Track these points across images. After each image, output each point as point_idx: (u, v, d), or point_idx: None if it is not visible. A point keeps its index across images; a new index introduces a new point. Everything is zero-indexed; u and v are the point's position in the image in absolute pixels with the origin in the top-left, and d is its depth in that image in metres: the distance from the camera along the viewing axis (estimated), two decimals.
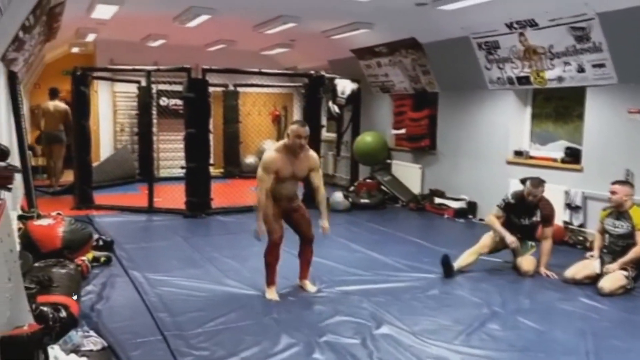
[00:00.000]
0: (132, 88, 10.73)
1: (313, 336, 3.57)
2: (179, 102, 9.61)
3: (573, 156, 6.45)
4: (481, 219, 7.14)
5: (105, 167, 9.76)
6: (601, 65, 5.65)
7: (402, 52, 8.20)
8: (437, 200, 8.10)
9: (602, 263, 4.70)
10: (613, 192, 4.69)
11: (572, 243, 6.11)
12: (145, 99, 9.54)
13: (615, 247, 4.69)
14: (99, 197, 8.14)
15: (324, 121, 9.25)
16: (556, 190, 6.11)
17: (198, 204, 7.55)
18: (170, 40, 9.63)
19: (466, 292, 4.58)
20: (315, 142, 8.00)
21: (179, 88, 8.39)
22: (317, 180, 4.45)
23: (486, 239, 5.18)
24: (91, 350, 3.17)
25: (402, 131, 8.99)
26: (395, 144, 9.36)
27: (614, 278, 4.50)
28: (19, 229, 4.85)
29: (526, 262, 5.05)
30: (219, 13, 7.08)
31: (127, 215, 7.49)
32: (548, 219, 5.08)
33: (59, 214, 5.65)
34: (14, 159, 5.67)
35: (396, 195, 8.75)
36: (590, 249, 5.32)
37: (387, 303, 4.22)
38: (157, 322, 3.76)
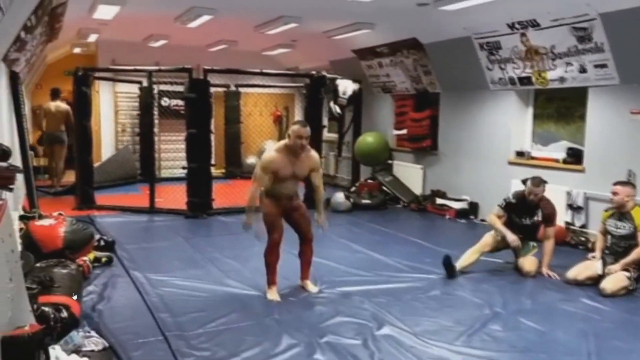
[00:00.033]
0: (134, 88, 10.74)
1: (314, 337, 3.56)
2: (181, 102, 9.60)
3: (575, 157, 6.44)
4: (483, 220, 7.13)
5: (107, 168, 9.76)
6: (603, 66, 5.64)
7: (404, 52, 8.20)
8: (439, 200, 8.09)
9: (604, 264, 4.69)
10: (614, 193, 4.68)
11: (573, 244, 6.09)
12: (146, 99, 9.54)
13: (617, 248, 4.69)
14: (101, 198, 8.15)
15: (325, 121, 9.24)
16: (558, 191, 6.10)
17: (199, 204, 7.55)
18: (171, 41, 9.64)
19: (467, 293, 4.57)
20: (316, 142, 7.98)
21: (180, 88, 8.40)
22: (317, 180, 4.51)
23: (488, 238, 5.18)
24: (92, 351, 3.17)
25: (404, 132, 8.99)
26: (396, 145, 9.36)
27: (616, 279, 4.49)
28: (21, 229, 4.85)
29: (528, 262, 5.04)
30: (221, 13, 7.08)
31: (128, 216, 7.49)
32: (549, 218, 5.07)
33: (60, 214, 5.66)
34: (16, 159, 5.68)
35: (397, 195, 8.74)
36: (592, 249, 5.31)
37: (389, 304, 4.22)
38: (158, 323, 3.76)
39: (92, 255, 5.05)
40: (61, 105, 9.49)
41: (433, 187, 8.44)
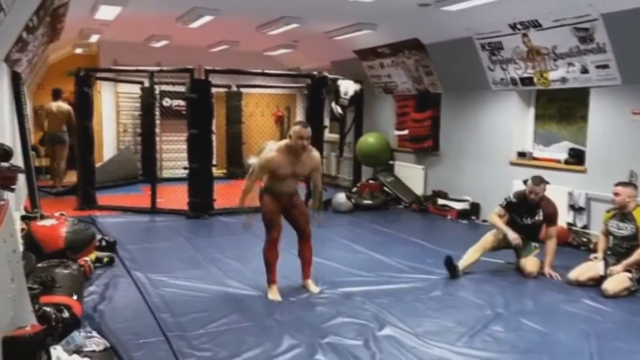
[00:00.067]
0: (135, 89, 10.75)
1: (315, 337, 3.56)
2: (182, 102, 9.60)
3: (577, 157, 6.44)
4: (484, 220, 7.12)
5: (108, 168, 9.77)
6: (605, 66, 5.63)
7: (405, 52, 8.19)
8: (440, 201, 8.09)
9: (606, 265, 4.68)
10: (616, 194, 4.68)
11: (575, 244, 6.09)
12: (148, 99, 9.54)
13: (619, 249, 4.68)
14: (102, 198, 8.15)
15: (326, 122, 9.25)
16: (560, 192, 6.09)
17: (201, 204, 7.55)
18: (173, 41, 9.66)
19: (469, 294, 4.57)
20: (317, 143, 7.98)
21: (181, 89, 8.40)
22: (317, 179, 4.62)
23: (489, 236, 5.17)
24: (94, 351, 3.17)
25: (405, 132, 8.99)
26: (398, 145, 9.35)
27: (618, 280, 4.48)
28: (22, 229, 4.85)
29: (530, 263, 5.04)
30: (222, 14, 7.08)
31: (129, 216, 7.49)
32: (551, 218, 5.07)
33: (62, 214, 5.66)
34: (18, 160, 5.68)
35: (399, 196, 8.74)
36: (594, 250, 5.31)
37: (390, 304, 4.21)
38: (160, 323, 3.76)
39: (93, 256, 5.05)
40: (63, 105, 9.50)
41: (434, 187, 8.44)
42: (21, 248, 3.95)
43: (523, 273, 5.03)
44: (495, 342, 3.59)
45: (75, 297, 3.63)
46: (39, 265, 4.12)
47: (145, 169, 10.20)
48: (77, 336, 3.21)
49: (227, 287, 4.60)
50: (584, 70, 5.86)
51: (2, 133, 5.02)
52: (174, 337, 3.52)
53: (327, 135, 9.81)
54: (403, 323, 3.83)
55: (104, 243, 5.58)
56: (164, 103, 10.17)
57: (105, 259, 5.18)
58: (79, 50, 10.93)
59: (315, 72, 8.60)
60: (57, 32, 6.67)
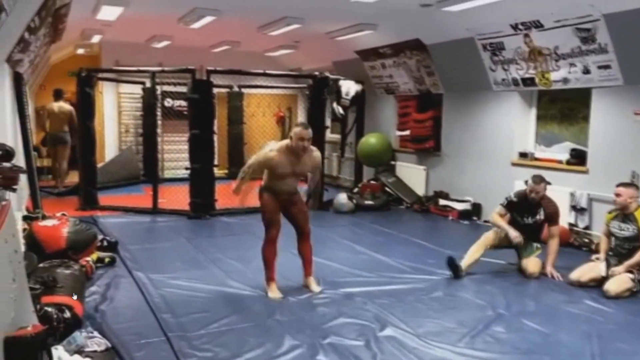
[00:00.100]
0: (137, 89, 10.77)
1: (317, 338, 3.56)
2: (184, 103, 9.60)
3: (578, 158, 6.43)
4: (486, 221, 7.11)
5: (110, 168, 9.78)
6: (607, 67, 5.63)
7: (407, 53, 8.19)
8: (442, 201, 8.08)
9: (608, 266, 4.67)
10: (617, 195, 4.67)
11: (577, 245, 6.08)
12: (149, 100, 9.57)
13: (621, 250, 4.67)
14: (104, 198, 8.16)
15: (328, 122, 9.24)
16: (561, 192, 6.08)
17: (202, 205, 7.55)
18: (174, 42, 9.66)
19: (470, 294, 4.56)
20: (319, 143, 7.97)
21: (183, 89, 8.40)
22: (316, 175, 4.80)
23: (489, 234, 5.17)
24: (95, 351, 3.17)
25: (407, 132, 8.98)
26: (399, 146, 9.35)
27: (620, 281, 4.48)
28: (24, 229, 4.86)
29: (531, 264, 5.03)
30: (224, 14, 7.09)
31: (131, 216, 7.50)
32: (552, 217, 5.07)
33: (63, 214, 5.67)
34: (19, 160, 5.69)
35: (400, 196, 8.73)
36: (596, 251, 5.30)
37: (391, 305, 4.21)
38: (161, 323, 3.76)
39: (95, 256, 5.05)
40: (64, 106, 9.51)
41: (436, 188, 8.43)
42: (23, 248, 3.96)
43: (525, 274, 5.03)
44: (497, 342, 3.59)
45: (75, 297, 3.63)
46: (41, 265, 4.13)
47: (146, 169, 10.22)
48: (79, 336, 3.22)
49: (228, 288, 4.60)
50: (586, 71, 5.86)
51: (4, 133, 5.02)
52: (175, 338, 3.52)
53: (329, 135, 9.81)
54: (404, 324, 3.83)
55: (105, 243, 5.58)
56: (166, 103, 10.18)
57: (107, 259, 5.18)
58: (80, 51, 10.95)
59: (316, 73, 8.60)
60: (59, 33, 6.69)
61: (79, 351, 3.09)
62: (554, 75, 6.26)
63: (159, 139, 8.74)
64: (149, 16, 7.70)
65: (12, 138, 5.61)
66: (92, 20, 7.67)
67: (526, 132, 7.21)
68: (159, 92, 9.08)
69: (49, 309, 3.30)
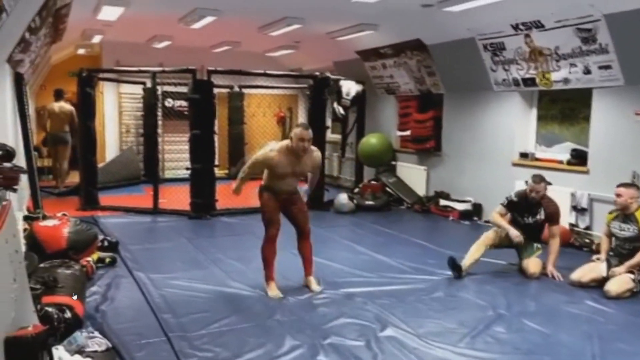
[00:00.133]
0: (138, 89, 10.77)
1: (317, 338, 3.56)
2: (184, 103, 9.61)
3: (579, 158, 6.42)
4: (486, 221, 7.11)
5: (111, 168, 9.78)
6: (607, 67, 5.62)
7: (408, 53, 8.19)
8: (442, 202, 8.08)
9: (609, 266, 4.67)
10: (618, 195, 4.66)
11: (578, 245, 6.07)
12: (150, 100, 9.56)
13: (621, 250, 4.67)
14: (104, 198, 8.16)
15: (328, 122, 9.24)
16: (562, 192, 6.08)
17: (203, 205, 7.55)
18: (175, 42, 9.67)
19: (471, 295, 4.56)
20: (319, 143, 7.97)
21: (184, 89, 8.40)
22: (316, 173, 4.80)
23: (489, 233, 5.17)
24: (95, 351, 3.17)
25: (407, 133, 8.98)
26: (400, 146, 9.34)
27: (621, 281, 4.47)
28: (25, 229, 4.86)
29: (532, 264, 5.03)
30: (224, 14, 7.09)
31: (132, 217, 7.50)
32: (553, 217, 5.06)
33: (64, 214, 5.67)
34: (20, 160, 5.69)
35: (401, 197, 8.73)
36: (596, 251, 5.30)
37: (392, 305, 4.21)
38: (161, 323, 3.76)
39: (95, 256, 5.05)
40: (65, 106, 9.52)
41: (437, 188, 8.43)
42: (23, 248, 3.96)
43: (525, 274, 5.03)
44: (497, 343, 3.59)
45: (75, 297, 3.63)
46: (42, 265, 4.13)
47: (147, 169, 10.22)
48: (79, 336, 3.21)
49: (229, 288, 4.60)
50: (587, 71, 5.85)
51: (5, 133, 5.02)
52: (176, 338, 3.52)
53: (329, 135, 9.81)
54: (405, 324, 3.83)
55: (106, 243, 5.58)
56: (166, 103, 10.20)
57: (108, 260, 5.18)
58: (81, 51, 10.96)
59: (317, 73, 8.60)
60: (59, 33, 6.69)
61: (80, 351, 3.09)
62: (554, 76, 6.26)
63: (160, 139, 8.74)
64: (149, 16, 7.70)
65: (12, 138, 5.61)
66: (92, 21, 7.68)
67: (527, 133, 7.21)
68: (159, 92, 9.09)
69: (50, 309, 3.30)
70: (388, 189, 8.82)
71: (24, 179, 5.62)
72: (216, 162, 8.06)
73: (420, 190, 8.70)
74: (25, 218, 5.42)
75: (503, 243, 5.13)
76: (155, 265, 5.20)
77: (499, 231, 5.14)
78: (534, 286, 4.85)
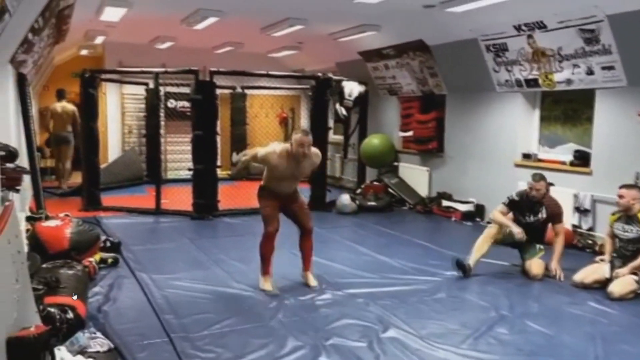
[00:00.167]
0: (140, 90, 10.79)
1: (319, 339, 3.55)
2: (187, 104, 9.65)
3: (582, 159, 6.40)
4: (489, 222, 7.08)
5: (113, 169, 9.80)
6: (610, 68, 5.61)
7: (410, 54, 8.18)
8: (445, 203, 8.07)
9: (612, 267, 4.66)
10: (620, 196, 4.65)
11: (581, 247, 6.06)
12: (153, 101, 9.57)
13: (625, 252, 4.65)
14: (107, 199, 8.17)
15: (331, 123, 9.23)
16: (565, 194, 6.07)
17: (205, 205, 7.56)
18: (178, 43, 9.68)
19: (474, 296, 4.55)
20: (322, 144, 7.99)
21: (186, 90, 8.42)
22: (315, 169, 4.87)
23: (492, 227, 5.15)
24: (98, 352, 3.17)
25: (410, 133, 8.97)
26: (402, 147, 9.33)
27: (624, 282, 4.46)
28: (27, 230, 4.87)
29: (535, 265, 5.01)
30: (227, 15, 7.10)
31: (134, 217, 7.51)
32: (555, 216, 5.06)
33: (66, 215, 5.68)
34: (23, 161, 5.70)
35: (403, 197, 8.72)
36: (600, 252, 5.29)
37: (394, 306, 4.20)
38: (164, 324, 3.76)
39: (98, 257, 5.06)
40: (67, 105, 9.55)
41: (439, 189, 8.42)
42: (26, 249, 3.96)
43: (528, 275, 5.01)
44: (500, 344, 3.58)
45: (75, 297, 3.63)
46: (44, 265, 4.13)
47: (149, 170, 10.22)
48: (81, 337, 3.21)
49: (231, 289, 4.60)
50: (590, 72, 5.84)
51: (8, 134, 5.04)
52: (178, 339, 3.52)
53: (332, 136, 9.81)
54: (407, 325, 3.82)
55: (108, 244, 5.59)
56: (169, 104, 10.21)
57: (110, 260, 5.19)
58: (84, 52, 10.98)
59: (319, 74, 8.61)
60: (62, 34, 6.71)
61: (82, 352, 3.09)
62: (557, 76, 6.25)
63: (162, 140, 8.76)
64: (152, 17, 7.71)
65: (15, 139, 5.62)
66: (95, 21, 7.69)
67: (529, 133, 7.20)
68: (162, 93, 9.08)
69: (52, 310, 3.30)
70: (390, 190, 8.81)
71: (26, 179, 5.63)
72: (218, 163, 8.06)
73: (423, 191, 8.69)
74: (28, 218, 5.42)
75: (506, 240, 5.11)
76: (157, 265, 5.20)
77: (502, 229, 5.13)
78: (536, 287, 4.84)
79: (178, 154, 10.71)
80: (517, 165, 7.10)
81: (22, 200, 5.56)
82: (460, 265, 4.96)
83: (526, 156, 7.06)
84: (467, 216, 7.64)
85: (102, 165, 8.91)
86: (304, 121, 11.89)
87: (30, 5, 3.80)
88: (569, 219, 6.06)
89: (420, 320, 3.92)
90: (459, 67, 7.54)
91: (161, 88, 8.71)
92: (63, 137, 9.53)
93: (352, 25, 7.67)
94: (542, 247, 5.14)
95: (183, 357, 3.27)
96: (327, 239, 6.24)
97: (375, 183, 8.94)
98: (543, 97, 7.10)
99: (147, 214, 7.64)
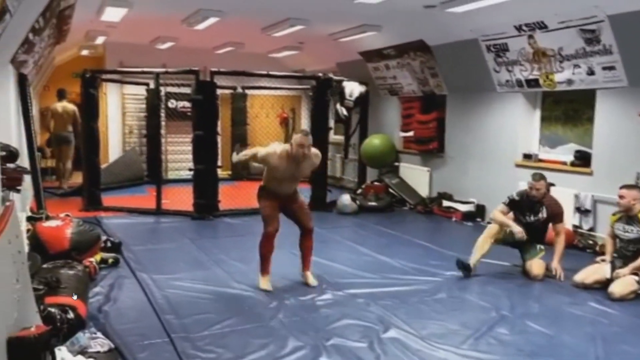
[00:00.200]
0: (141, 90, 10.80)
1: (320, 339, 3.55)
2: (187, 104, 9.65)
3: (583, 159, 6.40)
4: (489, 222, 7.08)
5: (114, 169, 9.80)
6: (611, 68, 5.61)
7: (411, 54, 8.18)
8: (445, 203, 8.07)
9: (613, 268, 4.65)
10: (621, 197, 4.65)
11: (581, 247, 6.05)
12: (153, 101, 9.58)
13: (625, 252, 4.65)
14: (107, 199, 8.18)
15: (331, 124, 9.23)
16: (566, 194, 6.07)
17: (206, 206, 7.56)
18: (178, 43, 9.68)
19: (474, 296, 4.55)
20: (322, 144, 7.99)
21: (187, 90, 8.43)
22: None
23: (493, 226, 5.14)
24: (98, 352, 3.17)
25: (410, 134, 8.97)
26: (403, 147, 9.33)
27: (625, 283, 4.45)
28: (28, 230, 4.87)
29: (535, 266, 5.01)
30: (227, 16, 7.10)
31: (135, 217, 7.51)
32: (555, 215, 5.06)
33: (67, 215, 5.68)
34: (24, 161, 5.70)
35: (404, 198, 8.72)
36: (600, 253, 5.28)
37: (395, 306, 4.20)
38: (164, 324, 3.76)
39: (98, 257, 5.06)
40: (68, 105, 9.56)
41: (440, 189, 8.41)
42: (26, 249, 3.96)
43: (529, 276, 5.01)
44: (501, 344, 3.57)
45: (75, 297, 3.63)
46: (44, 266, 4.14)
47: (150, 170, 10.23)
48: (82, 337, 3.21)
49: (231, 289, 4.60)
50: (590, 72, 5.84)
51: (8, 134, 5.04)
52: (179, 339, 3.52)
53: (332, 136, 9.82)
54: (408, 325, 3.82)
55: (109, 244, 5.59)
56: (170, 104, 10.22)
57: (110, 260, 5.19)
58: (85, 52, 10.99)
59: (320, 74, 8.61)
60: (63, 34, 6.71)
61: (82, 352, 3.09)
62: (558, 77, 6.25)
63: (163, 140, 8.76)
64: (153, 17, 7.72)
65: (16, 139, 5.63)
66: (96, 22, 7.69)
67: (530, 134, 7.19)
68: (162, 93, 9.09)
69: (53, 310, 3.30)
70: (391, 190, 8.81)
71: (27, 179, 5.63)
72: (219, 163, 8.06)
73: (423, 192, 8.69)
74: (29, 219, 5.43)
75: (507, 239, 5.11)
76: (158, 266, 5.20)
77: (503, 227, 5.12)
78: (537, 288, 4.83)
79: (179, 154, 10.71)
80: (518, 166, 7.10)
81: (22, 200, 5.56)
82: (462, 266, 4.96)
83: (527, 156, 7.05)
84: (467, 216, 7.63)
85: (103, 166, 8.91)
86: (304, 121, 11.89)
87: (30, 6, 3.80)
88: (570, 219, 6.06)
89: (420, 321, 3.92)
90: (460, 67, 7.53)
91: (162, 88, 8.72)
92: (64, 137, 9.54)
93: (352, 25, 7.67)
94: (542, 247, 5.13)
95: (184, 357, 3.27)
96: (327, 239, 6.24)
97: (375, 183, 8.93)
98: (544, 97, 7.09)
99: (147, 214, 7.64)
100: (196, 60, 8.54)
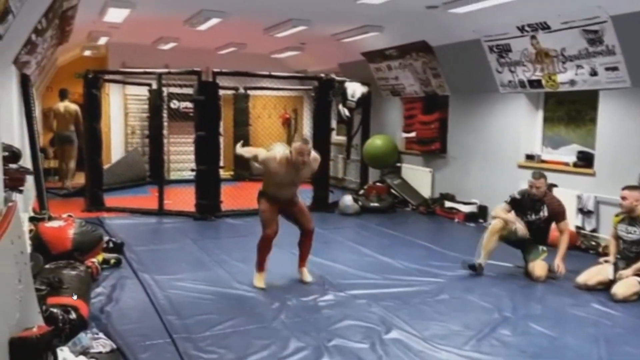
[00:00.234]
0: (143, 91, 10.81)
1: (322, 340, 3.55)
2: (190, 104, 9.64)
3: (585, 160, 6.39)
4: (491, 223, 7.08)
5: (116, 170, 9.81)
6: (614, 69, 5.59)
7: (413, 55, 8.18)
8: (448, 204, 8.06)
9: (616, 269, 4.64)
10: (623, 198, 4.64)
11: (584, 248, 6.04)
12: (156, 101, 9.57)
13: (628, 253, 4.64)
14: (110, 200, 8.18)
15: (333, 124, 9.23)
16: (568, 195, 6.05)
17: (208, 206, 7.56)
18: (181, 43, 9.69)
19: (476, 297, 4.54)
20: (324, 145, 8.00)
21: (189, 91, 8.43)
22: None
23: (498, 222, 5.10)
24: (100, 352, 3.17)
25: (412, 134, 8.97)
26: (405, 148, 9.33)
27: (628, 284, 4.44)
28: (30, 230, 4.88)
29: (538, 267, 5.00)
30: (230, 16, 7.10)
31: (137, 218, 7.52)
32: (557, 213, 5.05)
33: (69, 215, 5.68)
34: (26, 161, 5.71)
35: (406, 198, 8.71)
36: (603, 254, 5.27)
37: (397, 307, 4.20)
38: (166, 325, 3.77)
39: (100, 257, 5.06)
40: (70, 105, 9.58)
41: (442, 190, 8.40)
42: (29, 249, 3.97)
43: (531, 277, 5.00)
44: (503, 346, 3.57)
45: (75, 297, 3.63)
46: (47, 266, 4.14)
47: (152, 170, 10.24)
48: (84, 337, 3.22)
49: (233, 289, 4.60)
50: (593, 73, 5.83)
51: (11, 135, 5.05)
52: (180, 339, 3.52)
53: (334, 137, 9.80)
54: (410, 326, 3.82)
55: (111, 244, 5.59)
56: (172, 105, 10.23)
57: (113, 261, 5.19)
58: (87, 53, 11.00)
59: (322, 75, 8.61)
60: (66, 35, 6.71)
61: (85, 352, 3.09)
62: (560, 77, 6.24)
63: (165, 141, 8.76)
64: (155, 18, 7.72)
65: (19, 139, 5.63)
66: (99, 22, 7.71)
67: (533, 134, 7.18)
68: (165, 93, 9.10)
69: (55, 310, 3.30)
70: (393, 191, 8.80)
71: (29, 180, 5.64)
72: (221, 164, 8.06)
73: (426, 192, 8.68)
74: (31, 219, 5.43)
75: (511, 236, 5.10)
76: (160, 266, 5.20)
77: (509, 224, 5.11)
78: (540, 289, 4.82)
79: (181, 154, 10.71)
80: (521, 167, 7.09)
81: (25, 200, 5.57)
82: (471, 267, 4.98)
83: (529, 157, 7.04)
84: (470, 217, 7.62)
85: (105, 166, 8.92)
86: (306, 122, 11.88)
87: (33, 7, 3.81)
88: (573, 220, 6.05)
89: (422, 322, 3.91)
90: (462, 68, 7.53)
91: (164, 89, 8.74)
92: (66, 136, 9.56)
93: (355, 26, 7.67)
94: (545, 248, 5.12)
95: (185, 358, 3.28)
96: (329, 240, 6.24)
97: (378, 184, 8.93)
98: (546, 98, 7.08)
99: (150, 215, 7.65)
100: (198, 61, 8.55)
